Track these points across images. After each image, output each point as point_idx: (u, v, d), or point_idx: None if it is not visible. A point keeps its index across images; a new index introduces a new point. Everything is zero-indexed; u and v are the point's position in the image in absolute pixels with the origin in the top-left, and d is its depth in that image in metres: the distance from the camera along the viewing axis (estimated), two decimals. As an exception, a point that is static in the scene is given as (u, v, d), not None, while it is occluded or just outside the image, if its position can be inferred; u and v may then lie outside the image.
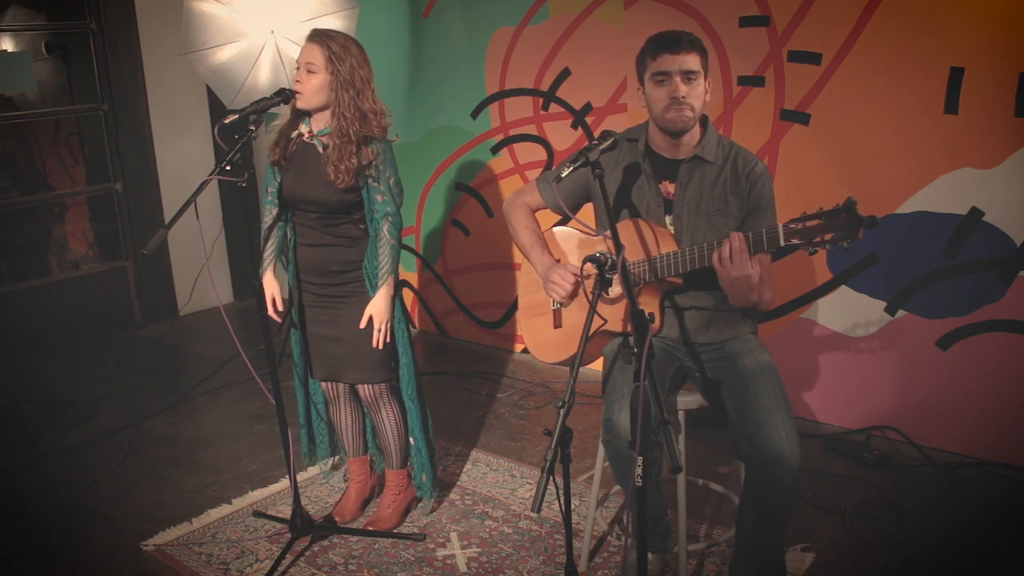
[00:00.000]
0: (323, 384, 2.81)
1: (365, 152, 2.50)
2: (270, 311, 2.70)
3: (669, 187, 2.29)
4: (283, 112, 2.65)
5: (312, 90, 2.48)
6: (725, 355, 2.28)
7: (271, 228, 2.69)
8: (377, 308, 2.58)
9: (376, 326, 2.58)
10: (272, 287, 2.72)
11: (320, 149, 2.55)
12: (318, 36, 2.49)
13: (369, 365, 2.67)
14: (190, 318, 5.38)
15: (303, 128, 2.60)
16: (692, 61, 2.16)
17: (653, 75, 2.19)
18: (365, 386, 2.71)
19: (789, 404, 2.14)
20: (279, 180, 2.65)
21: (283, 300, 2.75)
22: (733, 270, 2.03)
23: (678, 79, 2.16)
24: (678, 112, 2.18)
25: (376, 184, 2.54)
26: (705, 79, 2.20)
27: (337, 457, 3.13)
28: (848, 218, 1.85)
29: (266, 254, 2.72)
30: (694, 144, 2.26)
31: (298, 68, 2.50)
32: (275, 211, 2.69)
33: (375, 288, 2.59)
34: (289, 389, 4.03)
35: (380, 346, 2.60)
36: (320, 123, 2.57)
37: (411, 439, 2.81)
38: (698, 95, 2.19)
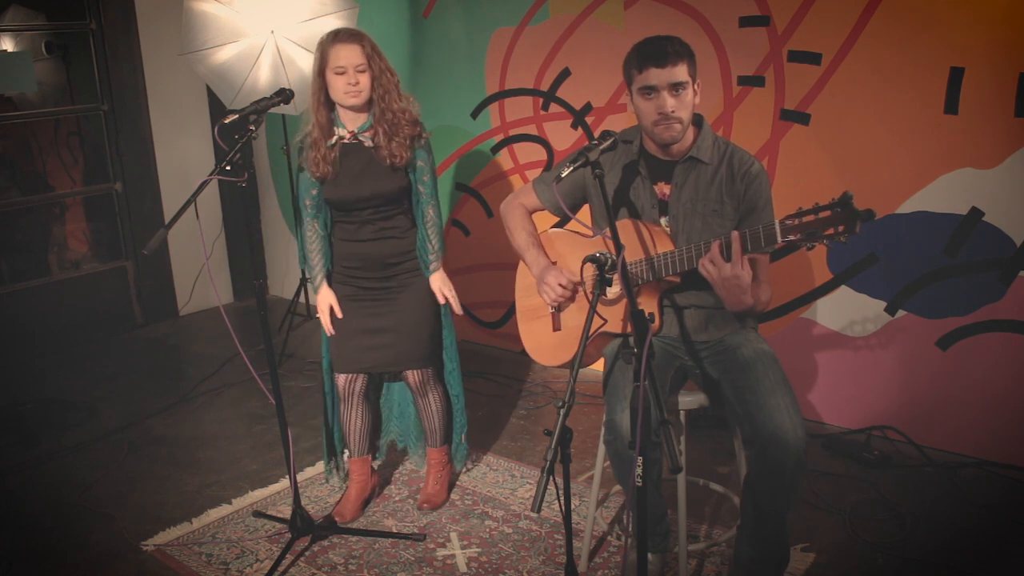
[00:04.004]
0: (341, 379, 2.84)
1: (414, 126, 2.67)
2: (326, 322, 2.80)
3: (665, 188, 2.29)
4: (306, 127, 2.71)
5: (366, 87, 2.60)
6: (724, 348, 2.29)
7: (317, 240, 2.78)
8: (441, 281, 2.79)
9: (450, 296, 2.80)
10: (330, 297, 2.80)
11: (368, 143, 2.66)
12: (354, 37, 2.60)
13: (420, 352, 2.81)
14: (190, 318, 5.38)
15: (340, 131, 2.67)
16: (680, 72, 2.12)
17: (640, 89, 2.16)
18: (414, 372, 2.82)
19: (791, 387, 2.13)
20: (315, 192, 2.72)
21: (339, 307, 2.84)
22: (722, 271, 2.02)
23: (665, 93, 2.13)
24: (666, 127, 2.16)
25: (422, 165, 2.71)
26: (694, 84, 2.17)
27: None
28: (844, 212, 1.84)
29: (319, 267, 2.80)
30: (689, 145, 2.25)
31: (343, 72, 2.56)
32: (317, 222, 2.77)
33: (428, 269, 2.77)
34: (289, 389, 4.05)
35: (459, 311, 2.83)
36: (357, 121, 2.67)
37: (454, 398, 2.97)
38: (687, 105, 2.15)
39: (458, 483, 3.11)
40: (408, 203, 2.76)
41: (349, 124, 2.67)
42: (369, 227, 2.73)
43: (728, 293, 2.07)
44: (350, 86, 2.57)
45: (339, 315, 2.78)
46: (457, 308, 2.82)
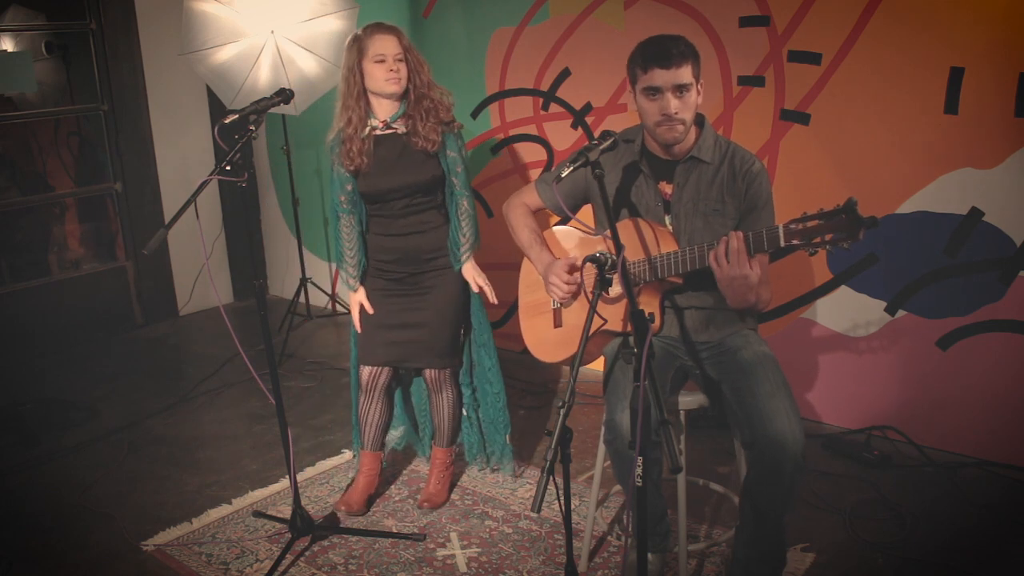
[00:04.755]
0: (366, 372, 2.86)
1: (446, 115, 2.74)
2: (356, 318, 2.87)
3: (667, 188, 2.29)
4: (335, 127, 2.76)
5: (404, 76, 2.69)
6: (725, 350, 2.29)
7: (354, 236, 2.83)
8: (473, 272, 2.81)
9: (483, 285, 2.82)
10: (362, 295, 2.86)
11: (402, 131, 2.73)
12: (392, 28, 2.69)
13: (443, 350, 2.86)
14: (190, 318, 5.38)
15: (373, 123, 2.73)
16: (684, 74, 2.12)
17: (644, 89, 2.16)
18: (432, 369, 2.86)
19: (790, 391, 2.13)
20: (350, 187, 2.76)
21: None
22: (730, 269, 2.02)
23: (669, 94, 2.12)
24: (669, 128, 2.16)
25: (453, 155, 2.76)
26: (698, 85, 2.17)
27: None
28: (849, 219, 1.84)
29: (355, 264, 2.85)
30: (690, 144, 2.25)
31: (382, 60, 2.65)
32: (353, 218, 2.81)
33: (459, 262, 2.81)
34: (289, 389, 4.05)
35: (495, 301, 2.84)
36: (390, 111, 2.73)
37: (504, 412, 3.02)
38: (690, 106, 2.15)
39: (458, 483, 3.11)
40: (441, 196, 2.81)
41: (381, 115, 2.74)
42: (402, 221, 2.78)
43: (733, 291, 2.07)
44: (391, 73, 2.65)
45: (369, 311, 2.84)
46: (492, 297, 2.85)
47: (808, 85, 3.18)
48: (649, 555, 2.40)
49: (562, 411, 1.78)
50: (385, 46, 2.65)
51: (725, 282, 2.06)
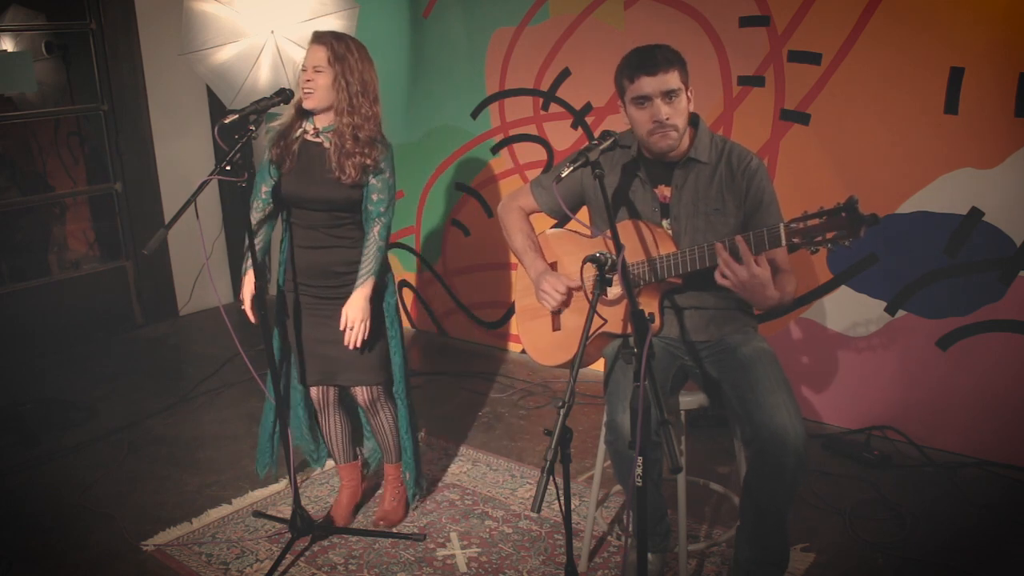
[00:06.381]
0: (313, 391, 2.78)
1: (371, 150, 2.52)
2: (248, 310, 2.66)
3: (665, 191, 2.29)
4: (283, 112, 2.65)
5: (320, 89, 2.50)
6: (724, 347, 2.29)
7: (259, 227, 2.69)
8: (352, 306, 2.56)
9: (348, 325, 2.56)
10: (249, 287, 2.66)
11: (327, 145, 2.56)
12: (322, 37, 2.52)
13: (365, 366, 2.67)
14: (190, 318, 5.38)
15: (307, 126, 2.60)
16: (671, 80, 2.13)
17: (633, 99, 2.17)
18: (362, 389, 2.70)
19: (790, 386, 2.13)
20: (274, 180, 2.63)
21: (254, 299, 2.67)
22: (736, 278, 2.00)
23: (659, 101, 2.13)
24: (663, 136, 2.17)
25: (375, 183, 2.55)
26: (687, 91, 2.18)
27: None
28: (849, 217, 1.84)
29: (255, 254, 2.67)
30: (686, 146, 2.25)
31: (304, 69, 2.51)
32: (267, 210, 2.68)
33: (353, 286, 2.58)
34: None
35: (351, 346, 2.57)
36: (325, 121, 2.58)
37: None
38: (681, 112, 2.16)
39: (458, 483, 3.11)
40: (360, 215, 2.62)
41: (320, 122, 2.59)
42: (318, 234, 2.62)
43: (751, 294, 2.06)
44: (305, 83, 2.51)
45: (248, 303, 2.64)
46: (349, 342, 2.57)
47: (808, 85, 3.18)
48: (649, 555, 2.40)
49: (562, 411, 1.78)
50: (309, 54, 2.49)
51: (739, 289, 2.04)
